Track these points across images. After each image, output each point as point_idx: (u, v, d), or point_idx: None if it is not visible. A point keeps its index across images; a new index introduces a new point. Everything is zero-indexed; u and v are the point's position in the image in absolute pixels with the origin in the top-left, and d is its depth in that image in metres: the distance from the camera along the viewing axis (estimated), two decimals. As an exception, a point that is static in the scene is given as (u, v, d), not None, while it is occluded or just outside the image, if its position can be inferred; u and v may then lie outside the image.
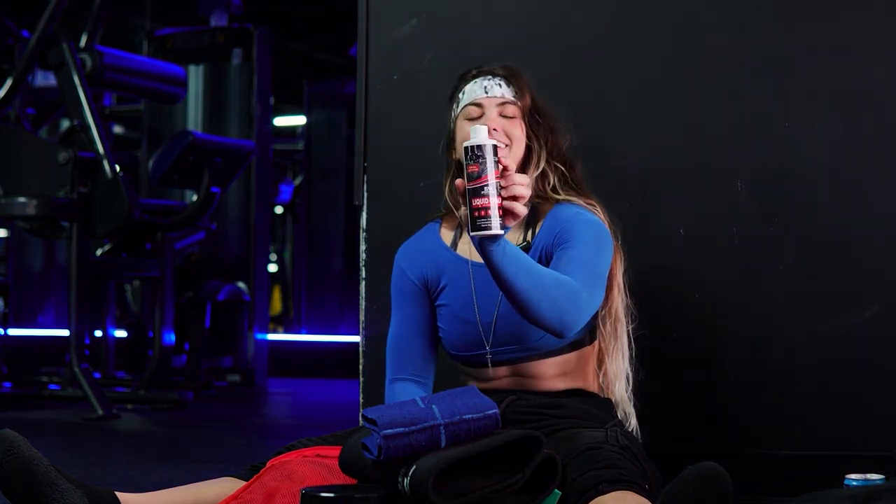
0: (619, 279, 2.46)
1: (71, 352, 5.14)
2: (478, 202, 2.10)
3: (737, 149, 2.86)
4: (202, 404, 5.78)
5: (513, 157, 2.39)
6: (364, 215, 3.04)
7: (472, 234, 2.13)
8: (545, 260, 2.39)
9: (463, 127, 2.42)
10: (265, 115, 7.19)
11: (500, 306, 2.40)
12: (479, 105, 2.41)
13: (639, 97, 2.91)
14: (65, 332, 5.45)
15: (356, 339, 3.12)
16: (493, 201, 2.10)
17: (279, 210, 10.75)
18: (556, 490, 2.10)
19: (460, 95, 2.45)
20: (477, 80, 2.43)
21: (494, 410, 2.06)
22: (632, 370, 2.49)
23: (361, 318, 3.04)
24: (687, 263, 2.81)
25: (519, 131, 2.41)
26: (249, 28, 7.22)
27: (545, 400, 2.39)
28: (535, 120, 2.43)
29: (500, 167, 2.13)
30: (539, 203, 2.45)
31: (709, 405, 2.77)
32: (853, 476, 2.15)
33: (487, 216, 2.10)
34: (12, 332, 7.42)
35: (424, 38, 3.03)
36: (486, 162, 2.10)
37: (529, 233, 2.43)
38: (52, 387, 5.77)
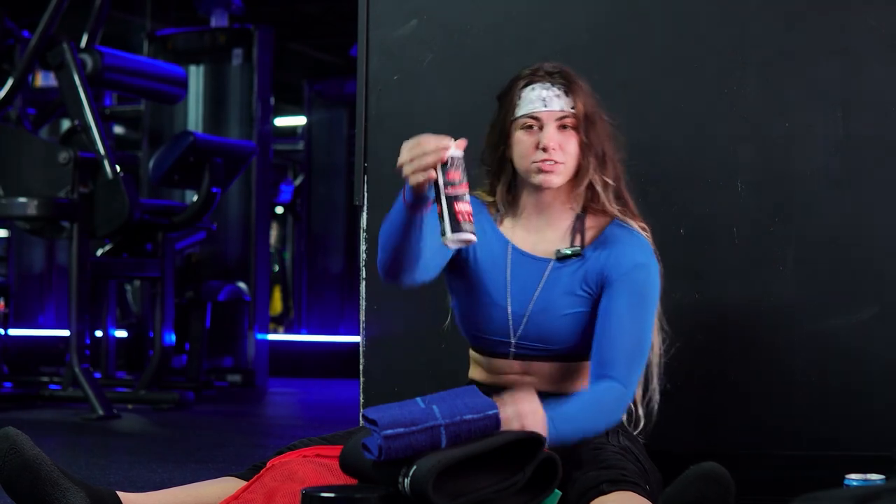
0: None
1: (71, 352, 5.13)
2: (461, 206, 2.11)
3: (737, 149, 2.86)
4: (202, 404, 5.78)
5: (566, 174, 2.38)
6: (364, 215, 3.04)
7: (452, 235, 2.11)
8: (594, 277, 2.37)
9: (521, 139, 2.39)
10: (265, 115, 7.19)
11: (536, 302, 2.40)
12: (537, 118, 2.38)
13: (638, 97, 2.91)
14: (65, 333, 5.45)
15: (356, 339, 3.12)
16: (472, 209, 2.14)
17: (279, 210, 10.75)
18: (556, 490, 2.10)
19: (517, 100, 2.40)
20: (535, 86, 2.39)
21: (495, 411, 2.07)
22: (658, 384, 2.50)
23: (361, 318, 3.04)
24: (687, 263, 2.81)
25: (573, 146, 2.37)
26: (250, 28, 7.21)
27: (547, 400, 2.39)
28: (588, 131, 2.38)
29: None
30: (587, 214, 2.43)
31: (708, 405, 2.77)
32: (853, 476, 2.16)
33: (470, 221, 2.11)
34: (13, 332, 7.41)
35: (424, 38, 3.03)
36: (465, 171, 2.13)
37: (578, 238, 2.41)
38: (53, 387, 5.76)
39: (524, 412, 2.15)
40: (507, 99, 2.43)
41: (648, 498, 2.12)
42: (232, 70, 7.28)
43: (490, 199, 2.49)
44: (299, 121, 10.87)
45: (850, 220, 2.82)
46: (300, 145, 9.77)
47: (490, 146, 2.47)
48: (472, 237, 2.12)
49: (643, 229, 2.43)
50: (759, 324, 2.83)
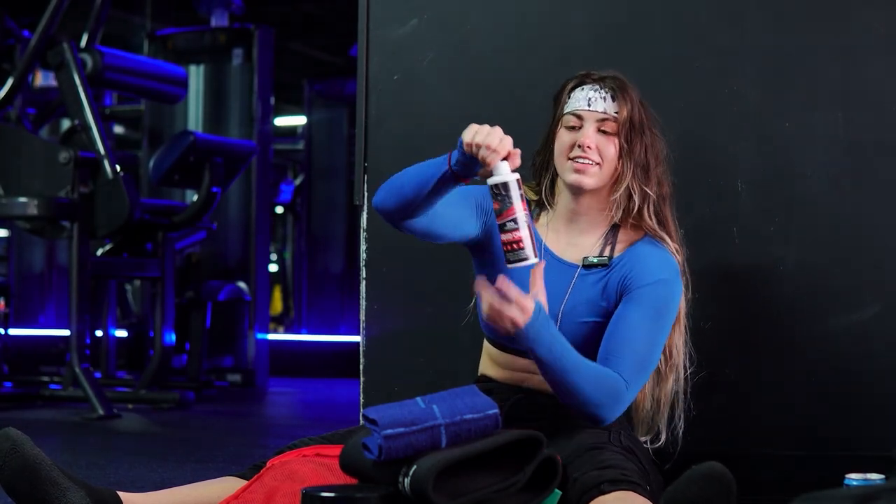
0: (682, 320, 2.45)
1: (72, 351, 5.14)
2: (506, 237, 2.17)
3: (737, 149, 2.86)
4: (202, 404, 5.78)
5: (601, 177, 2.38)
6: (364, 215, 3.04)
7: (508, 266, 2.20)
8: (615, 288, 2.37)
9: (562, 136, 2.40)
10: (265, 115, 7.19)
11: (567, 303, 2.39)
12: (578, 117, 2.38)
13: (639, 97, 2.91)
14: (66, 332, 5.45)
15: (356, 339, 3.13)
16: (524, 233, 2.17)
17: (279, 210, 10.75)
18: (556, 490, 2.10)
19: (566, 99, 2.42)
20: (584, 87, 2.40)
21: (495, 410, 2.07)
22: (684, 411, 2.52)
23: (362, 318, 3.04)
24: (687, 263, 2.81)
25: (612, 150, 2.37)
26: (250, 28, 7.21)
27: (551, 400, 2.39)
28: (632, 139, 2.37)
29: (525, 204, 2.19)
30: (623, 226, 2.43)
31: (709, 405, 2.77)
32: (853, 476, 2.16)
33: (521, 248, 2.17)
34: (13, 332, 7.41)
35: (424, 38, 3.03)
36: (509, 197, 2.17)
37: (608, 248, 2.41)
38: (53, 386, 5.77)
39: (512, 302, 2.17)
40: (558, 98, 2.45)
41: (649, 498, 2.12)
42: (232, 70, 7.28)
43: (534, 197, 2.50)
44: (299, 121, 10.87)
45: (850, 220, 2.82)
46: (300, 145, 9.77)
47: (541, 144, 2.49)
48: (525, 263, 2.19)
49: (676, 251, 2.43)
50: (758, 323, 2.83)
